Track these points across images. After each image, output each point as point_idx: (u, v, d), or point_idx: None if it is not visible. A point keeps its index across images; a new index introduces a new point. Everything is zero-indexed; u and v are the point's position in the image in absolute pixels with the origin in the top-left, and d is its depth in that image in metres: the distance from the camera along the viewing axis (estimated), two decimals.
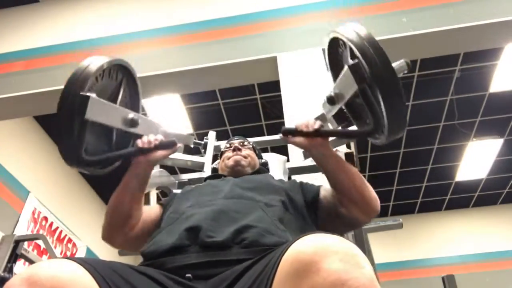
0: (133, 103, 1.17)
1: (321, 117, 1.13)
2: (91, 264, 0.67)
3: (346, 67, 0.94)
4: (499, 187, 5.91)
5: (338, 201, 1.03)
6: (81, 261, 0.67)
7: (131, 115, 1.06)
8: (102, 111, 0.98)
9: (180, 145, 1.09)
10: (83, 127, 0.94)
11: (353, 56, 0.93)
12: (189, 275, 0.76)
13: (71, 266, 0.65)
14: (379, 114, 0.92)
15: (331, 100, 1.02)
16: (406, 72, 0.96)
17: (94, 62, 0.99)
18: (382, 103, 0.88)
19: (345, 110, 1.06)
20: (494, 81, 4.13)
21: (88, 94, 0.93)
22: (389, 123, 0.89)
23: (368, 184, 1.03)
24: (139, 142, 1.04)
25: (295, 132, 1.01)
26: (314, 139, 0.99)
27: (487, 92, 4.27)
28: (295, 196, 1.06)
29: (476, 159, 5.25)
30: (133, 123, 1.05)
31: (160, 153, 1.05)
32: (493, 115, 4.58)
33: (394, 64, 0.90)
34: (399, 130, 0.92)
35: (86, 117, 0.93)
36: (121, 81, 1.13)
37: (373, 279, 0.58)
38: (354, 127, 1.53)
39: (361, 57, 0.88)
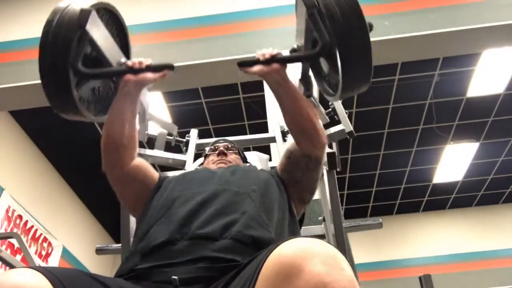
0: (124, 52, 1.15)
1: None
2: (54, 274, 0.66)
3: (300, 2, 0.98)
4: (474, 189, 6.07)
5: (292, 135, 1.10)
6: (45, 271, 0.65)
7: (124, 58, 1.06)
8: (100, 32, 0.99)
9: (171, 71, 1.07)
10: (82, 38, 0.93)
11: None
12: (175, 277, 0.76)
13: (34, 276, 0.63)
14: (326, 37, 0.93)
15: (293, 50, 1.06)
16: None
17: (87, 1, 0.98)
18: (330, 27, 0.90)
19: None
20: (472, 86, 4.24)
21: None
22: (340, 53, 0.88)
23: (318, 118, 1.11)
24: (129, 62, 1.04)
25: (252, 62, 1.03)
26: (270, 66, 1.03)
27: (464, 97, 4.38)
28: (275, 184, 1.09)
29: (453, 162, 5.39)
30: (124, 62, 1.05)
31: (149, 75, 1.05)
32: (470, 120, 4.71)
33: None
34: (356, 62, 0.91)
35: (87, 28, 0.93)
36: (112, 27, 1.12)
37: (353, 281, 0.59)
38: (340, 126, 1.55)
39: None
